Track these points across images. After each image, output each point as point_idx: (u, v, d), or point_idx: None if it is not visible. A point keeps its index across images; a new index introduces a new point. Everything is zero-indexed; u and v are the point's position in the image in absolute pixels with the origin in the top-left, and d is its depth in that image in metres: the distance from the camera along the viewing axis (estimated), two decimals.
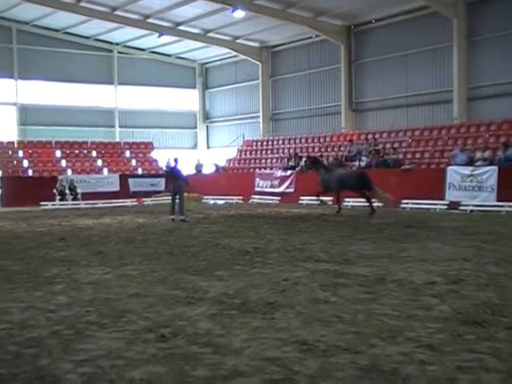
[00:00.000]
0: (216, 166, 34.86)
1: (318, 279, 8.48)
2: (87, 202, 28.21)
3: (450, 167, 22.44)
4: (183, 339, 5.65)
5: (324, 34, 33.12)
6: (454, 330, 5.84)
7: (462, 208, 21.21)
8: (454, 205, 21.45)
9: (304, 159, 23.69)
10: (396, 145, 27.07)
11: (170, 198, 20.05)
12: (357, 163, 26.46)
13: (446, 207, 21.62)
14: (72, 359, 5.10)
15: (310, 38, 35.04)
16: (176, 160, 20.57)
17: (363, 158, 26.23)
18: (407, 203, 22.58)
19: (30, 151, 34.39)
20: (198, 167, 35.45)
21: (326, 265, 9.75)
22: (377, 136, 28.83)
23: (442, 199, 21.99)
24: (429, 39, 29.22)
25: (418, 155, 25.71)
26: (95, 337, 5.79)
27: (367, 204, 21.04)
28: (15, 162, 33.42)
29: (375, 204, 21.17)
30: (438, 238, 13.36)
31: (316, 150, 30.78)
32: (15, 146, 34.81)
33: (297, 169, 28.01)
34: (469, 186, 21.53)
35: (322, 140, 31.68)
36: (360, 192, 21.30)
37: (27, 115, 37.82)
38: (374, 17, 31.44)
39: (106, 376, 4.70)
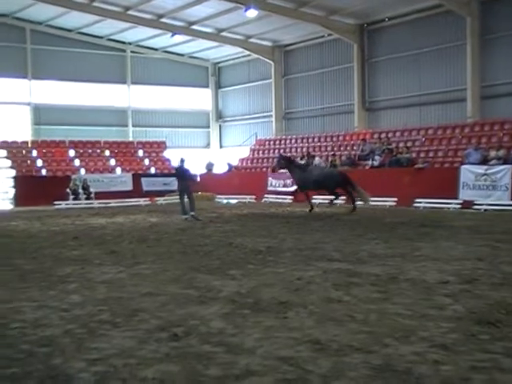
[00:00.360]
0: (229, 165, 34.87)
1: (330, 278, 8.46)
2: (100, 201, 28.32)
3: (463, 166, 22.32)
4: (196, 338, 5.65)
5: (337, 32, 33.03)
6: (468, 329, 5.80)
7: (475, 207, 21.10)
8: (467, 204, 21.34)
9: (277, 158, 23.63)
10: (409, 144, 26.95)
11: (179, 197, 20.21)
12: (370, 162, 26.38)
13: (459, 206, 21.51)
14: (85, 358, 5.12)
15: (323, 36, 34.96)
16: (182, 160, 20.67)
17: (376, 157, 26.15)
18: (420, 202, 22.49)
19: (44, 151, 34.55)
20: (209, 166, 35.49)
21: (339, 264, 9.72)
22: (390, 135, 28.72)
23: (456, 198, 21.88)
24: (442, 38, 29.06)
25: (431, 154, 25.59)
26: (108, 336, 5.80)
27: (334, 201, 21.92)
28: (29, 161, 33.58)
29: (340, 200, 22.05)
30: (452, 237, 13.29)
31: (329, 149, 30.72)
32: (29, 145, 34.97)
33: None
34: (483, 184, 21.40)
35: (334, 139, 31.61)
36: (343, 190, 21.63)
37: (41, 115, 38.01)
38: (387, 15, 31.31)
39: (118, 375, 4.72)
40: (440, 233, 14.16)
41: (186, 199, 19.67)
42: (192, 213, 19.09)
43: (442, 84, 29.45)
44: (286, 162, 22.55)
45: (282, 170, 24.05)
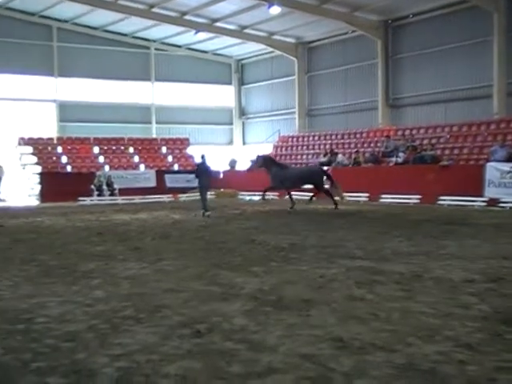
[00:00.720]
0: (252, 161, 34.81)
1: (353, 276, 8.42)
2: (124, 197, 28.51)
3: (489, 163, 22.07)
4: (218, 335, 5.66)
5: (360, 29, 32.84)
6: (494, 329, 5.74)
7: (501, 205, 20.87)
8: (493, 201, 21.12)
9: (255, 157, 23.54)
10: (434, 141, 26.72)
11: (200, 194, 20.30)
12: (394, 159, 26.22)
13: (484, 204, 21.28)
14: (108, 353, 5.15)
15: (346, 33, 34.77)
16: (203, 156, 20.77)
17: (400, 154, 25.97)
18: (445, 200, 22.30)
19: (69, 147, 34.88)
20: (232, 163, 35.50)
21: (362, 262, 9.68)
22: (414, 132, 28.51)
23: (481, 196, 21.65)
24: (468, 33, 28.73)
25: (456, 151, 25.37)
26: (131, 331, 5.83)
27: (312, 197, 22.31)
28: (54, 158, 33.92)
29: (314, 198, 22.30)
30: (477, 235, 13.17)
31: (352, 145, 30.59)
32: (55, 142, 35.32)
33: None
34: (508, 182, 21.14)
35: (358, 136, 31.47)
36: (318, 187, 21.95)
37: (66, 112, 38.34)
38: (411, 11, 31.05)
39: (141, 371, 4.74)
40: (465, 231, 14.03)
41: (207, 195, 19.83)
42: (202, 211, 19.31)
43: (467, 80, 29.14)
44: (266, 162, 22.58)
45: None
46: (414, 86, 31.73)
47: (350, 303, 6.86)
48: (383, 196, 24.51)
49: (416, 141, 27.19)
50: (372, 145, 29.65)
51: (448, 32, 29.61)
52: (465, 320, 6.06)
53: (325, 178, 22.14)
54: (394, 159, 26.25)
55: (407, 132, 28.67)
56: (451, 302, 6.81)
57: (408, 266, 9.14)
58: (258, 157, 23.40)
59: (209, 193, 20.01)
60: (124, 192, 29.41)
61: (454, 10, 29.28)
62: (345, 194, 21.66)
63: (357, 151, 28.80)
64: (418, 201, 23.18)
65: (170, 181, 31.88)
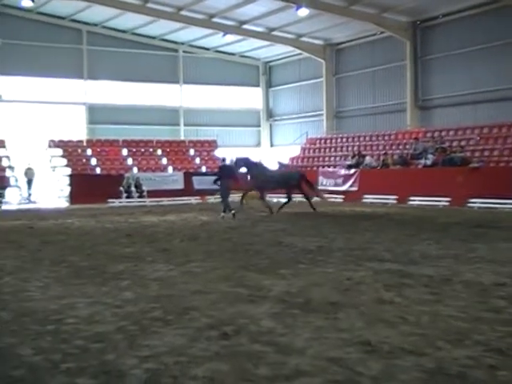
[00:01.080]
0: (280, 164, 34.81)
1: (381, 279, 8.36)
2: (152, 199, 28.69)
3: None
4: (246, 337, 5.66)
5: (389, 30, 32.67)
6: None
7: None
8: None
9: (234, 159, 23.35)
10: (463, 143, 26.47)
11: (222, 196, 20.49)
12: (422, 161, 26.00)
13: None
14: (137, 355, 5.18)
15: (375, 34, 34.61)
16: (224, 159, 20.96)
17: (429, 156, 25.75)
18: (475, 202, 22.05)
19: (98, 149, 35.23)
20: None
21: (390, 264, 9.61)
22: (443, 133, 28.24)
23: None
24: (497, 34, 28.38)
25: (486, 153, 25.08)
26: (159, 333, 5.86)
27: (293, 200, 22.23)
28: (84, 160, 34.28)
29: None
30: (508, 238, 13.00)
31: (380, 148, 30.42)
32: (84, 144, 35.71)
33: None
34: None
35: (386, 138, 31.28)
36: (300, 189, 21.98)
37: (96, 114, 38.76)
38: (440, 12, 30.79)
39: (169, 372, 4.76)
40: (495, 234, 13.85)
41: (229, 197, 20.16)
42: (223, 213, 19.51)
43: (497, 81, 28.79)
44: (245, 164, 22.23)
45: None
46: (443, 87, 31.44)
47: (378, 306, 6.81)
48: (412, 198, 24.32)
49: (445, 142, 26.94)
50: (400, 147, 29.44)
51: (477, 32, 29.30)
52: (495, 324, 5.98)
53: (303, 180, 21.98)
54: (422, 161, 26.03)
55: (436, 134, 28.41)
56: (481, 306, 6.73)
57: (437, 269, 9.05)
58: (237, 159, 23.13)
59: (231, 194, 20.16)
60: (152, 194, 29.59)
61: (483, 11, 28.97)
62: (325, 195, 21.97)
63: (385, 153, 28.63)
64: (448, 203, 22.96)
65: (197, 183, 31.99)
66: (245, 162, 22.61)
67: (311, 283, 8.17)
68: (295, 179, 21.87)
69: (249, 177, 22.15)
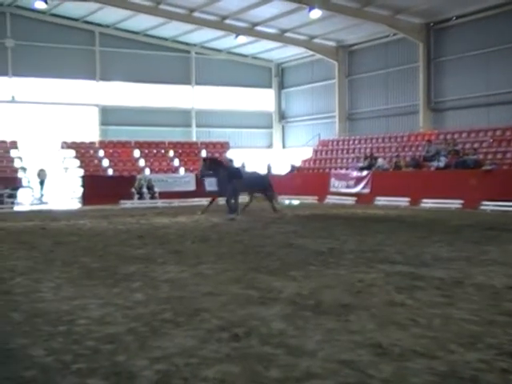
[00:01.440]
0: (292, 166, 34.84)
1: (393, 281, 8.33)
2: (164, 200, 28.76)
3: None
4: (256, 339, 5.64)
5: (402, 32, 32.59)
6: None
7: None
8: None
9: (203, 161, 22.78)
10: (476, 145, 26.34)
11: (230, 198, 20.68)
12: (435, 164, 25.90)
13: None
14: (147, 356, 5.18)
15: (388, 36, 34.54)
16: (231, 160, 21.02)
17: (442, 159, 25.65)
18: (488, 205, 21.93)
19: (111, 151, 35.40)
20: (268, 168, 35.60)
21: (402, 267, 9.56)
22: (456, 136, 28.12)
23: None
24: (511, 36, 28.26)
25: (499, 155, 24.96)
26: (170, 335, 5.86)
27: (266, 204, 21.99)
28: (96, 161, 34.46)
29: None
30: None
31: (393, 150, 30.35)
32: (96, 145, 35.88)
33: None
34: None
35: (399, 140, 31.21)
36: (263, 193, 21.97)
37: (108, 116, 38.93)
38: (455, 14, 30.67)
39: (180, 374, 4.75)
40: (508, 236, 13.77)
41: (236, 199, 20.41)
42: (230, 216, 19.66)
43: (511, 84, 28.62)
44: (214, 165, 21.90)
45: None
46: (457, 89, 31.32)
47: (390, 309, 6.78)
48: (424, 201, 24.24)
49: (458, 145, 26.81)
50: (413, 149, 29.34)
51: (491, 34, 29.17)
52: (508, 328, 5.94)
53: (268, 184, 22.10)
54: (435, 163, 25.93)
55: (449, 136, 28.29)
56: (493, 309, 6.68)
57: (449, 272, 9.00)
58: (205, 159, 22.79)
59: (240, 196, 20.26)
60: (164, 195, 29.66)
61: (497, 13, 28.84)
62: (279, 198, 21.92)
63: (397, 155, 28.54)
64: (460, 206, 22.85)
65: (209, 184, 31.98)
66: (212, 162, 22.26)
67: (322, 285, 8.15)
68: (266, 182, 21.94)
69: (217, 178, 21.66)
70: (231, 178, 20.37)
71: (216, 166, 21.95)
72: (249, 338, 5.70)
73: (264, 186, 21.87)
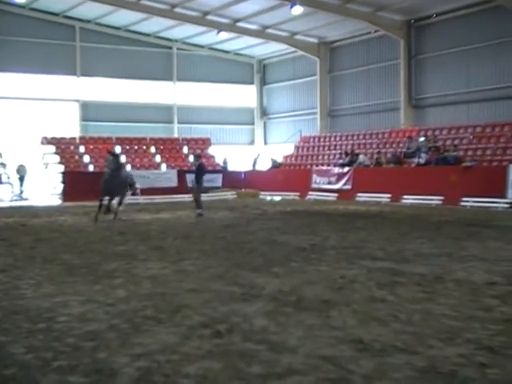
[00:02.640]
0: (273, 161, 34.83)
1: (374, 277, 8.39)
2: (146, 197, 28.62)
3: None
4: (238, 336, 5.66)
5: (383, 29, 32.71)
6: None
7: None
8: None
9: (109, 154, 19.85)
10: (457, 142, 26.54)
11: (198, 194, 20.28)
12: (416, 160, 26.06)
13: (507, 206, 21.07)
14: (129, 353, 5.17)
15: (369, 33, 34.66)
16: (199, 155, 21.15)
17: (422, 155, 25.81)
18: (467, 201, 22.12)
19: (91, 147, 35.13)
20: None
21: (383, 263, 9.63)
22: (437, 133, 28.31)
23: (504, 197, 21.43)
24: (491, 33, 28.49)
25: (479, 152, 25.16)
26: (152, 331, 5.86)
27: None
28: (77, 157, 34.19)
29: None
30: (500, 237, 13.05)
31: (374, 146, 30.47)
32: (77, 141, 35.60)
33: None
34: None
35: (380, 136, 31.33)
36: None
37: (89, 111, 38.67)
38: (435, 11, 30.84)
39: (161, 370, 4.75)
40: (488, 232, 13.91)
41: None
42: (198, 211, 19.49)
43: (490, 81, 28.90)
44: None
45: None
46: (437, 86, 31.53)
47: (371, 304, 6.83)
48: (405, 197, 24.39)
49: (439, 141, 26.99)
50: (394, 145, 29.50)
51: (471, 32, 29.39)
52: (487, 323, 6.00)
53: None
54: (416, 160, 26.09)
55: (430, 133, 28.47)
56: (473, 305, 6.76)
57: (429, 268, 9.08)
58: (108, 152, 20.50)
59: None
60: (146, 192, 29.50)
61: (477, 10, 29.06)
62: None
63: (379, 152, 28.68)
64: (441, 202, 23.03)
65: (191, 180, 31.92)
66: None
67: (304, 281, 8.18)
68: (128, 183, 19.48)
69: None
70: (200, 176, 20.05)
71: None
72: (231, 334, 5.71)
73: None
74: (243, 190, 31.73)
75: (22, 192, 30.92)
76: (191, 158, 31.61)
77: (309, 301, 7.00)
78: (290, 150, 36.51)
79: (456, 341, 5.42)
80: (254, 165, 35.61)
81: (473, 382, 4.45)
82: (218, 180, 32.55)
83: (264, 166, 35.57)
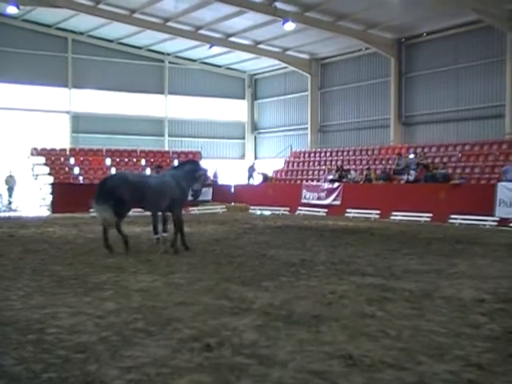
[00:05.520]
0: (264, 175, 34.80)
1: (364, 293, 8.42)
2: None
3: (500, 183, 22.01)
4: (228, 349, 5.68)
5: (374, 46, 32.96)
6: (504, 349, 5.73)
7: None
8: (504, 221, 21.04)
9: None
10: (445, 159, 26.71)
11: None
12: (405, 177, 26.19)
13: (495, 224, 21.19)
14: (119, 366, 5.18)
15: (360, 50, 34.91)
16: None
17: (411, 172, 25.94)
18: (456, 218, 22.24)
19: (82, 158, 35.09)
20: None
21: (373, 279, 9.67)
22: (426, 150, 28.49)
23: (492, 215, 21.55)
24: (481, 53, 28.80)
25: (467, 170, 25.33)
26: (142, 344, 5.86)
27: None
28: (67, 168, 34.12)
29: None
30: (488, 254, 13.12)
31: (364, 162, 30.61)
32: (67, 153, 35.55)
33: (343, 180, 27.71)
34: None
35: (370, 153, 31.49)
36: None
37: (79, 123, 38.62)
38: (425, 30, 31.13)
39: (151, 383, 4.76)
40: (476, 250, 13.98)
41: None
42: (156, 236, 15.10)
43: (480, 100, 29.16)
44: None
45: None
46: (427, 104, 31.77)
47: (360, 320, 6.86)
48: (394, 213, 24.47)
49: (428, 159, 27.16)
50: (383, 162, 29.64)
51: (461, 51, 29.70)
52: (475, 340, 6.05)
53: None
54: (405, 177, 26.22)
55: (419, 150, 28.64)
56: (461, 322, 6.81)
57: (418, 284, 9.13)
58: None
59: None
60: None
61: (467, 30, 29.34)
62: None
63: (368, 168, 28.81)
64: (429, 219, 23.12)
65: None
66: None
67: (294, 296, 8.20)
68: None
69: None
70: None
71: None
72: (221, 348, 5.72)
73: None
74: (233, 204, 31.75)
75: (10, 203, 30.78)
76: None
77: (299, 315, 7.03)
78: (280, 164, 36.60)
79: (445, 357, 5.46)
80: (249, 175, 35.58)
81: None
82: (207, 194, 32.54)
83: (257, 179, 35.52)
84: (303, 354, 5.55)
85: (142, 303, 7.72)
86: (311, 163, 34.33)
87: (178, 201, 14.29)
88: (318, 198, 28.65)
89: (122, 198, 13.53)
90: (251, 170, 35.92)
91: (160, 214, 15.21)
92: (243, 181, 35.82)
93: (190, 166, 15.06)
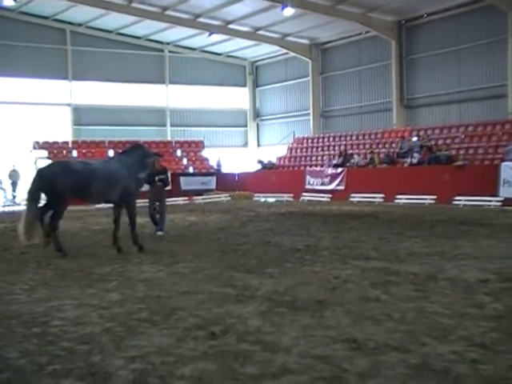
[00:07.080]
0: (262, 163, 34.62)
1: (368, 277, 8.42)
2: (139, 200, 28.52)
3: (504, 163, 21.93)
4: (233, 337, 5.68)
5: (375, 29, 32.79)
6: (508, 328, 5.72)
7: None
8: (508, 201, 20.96)
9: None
10: (449, 141, 26.61)
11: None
12: (409, 160, 26.12)
13: (500, 204, 21.14)
14: (123, 356, 5.19)
15: (361, 34, 34.74)
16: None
17: (415, 155, 25.87)
18: (460, 200, 22.19)
19: (84, 151, 35.07)
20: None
21: (377, 263, 9.67)
22: (429, 132, 28.39)
23: (496, 196, 21.51)
24: (482, 33, 28.59)
25: (471, 151, 25.23)
26: (146, 334, 5.87)
27: None
28: None
29: None
30: (492, 235, 13.10)
31: (367, 146, 30.50)
32: (69, 145, 35.53)
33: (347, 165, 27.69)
34: None
35: (372, 137, 31.39)
36: None
37: (81, 115, 38.59)
38: (425, 11, 30.94)
39: (156, 372, 4.77)
40: (480, 231, 13.96)
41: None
42: (159, 232, 15.21)
43: (482, 80, 29.01)
44: None
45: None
46: (429, 86, 31.63)
47: (365, 304, 6.86)
48: (398, 197, 24.44)
49: (431, 141, 27.07)
50: (387, 145, 29.56)
51: (462, 31, 29.51)
52: (479, 320, 6.05)
53: None
54: (408, 160, 26.15)
55: (422, 132, 28.54)
56: (466, 302, 6.80)
57: (423, 267, 9.12)
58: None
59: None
60: (139, 195, 29.44)
61: (468, 10, 29.15)
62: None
63: (372, 152, 28.73)
64: (433, 201, 23.09)
65: (184, 183, 31.97)
66: None
67: (298, 282, 8.21)
68: None
69: None
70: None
71: None
72: (225, 335, 5.73)
73: None
74: (237, 192, 31.73)
75: (14, 197, 30.83)
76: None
77: (303, 301, 7.03)
78: (283, 151, 36.54)
79: (449, 338, 5.46)
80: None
81: (465, 379, 4.49)
82: (211, 182, 32.55)
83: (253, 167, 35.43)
84: (307, 339, 5.55)
85: (147, 293, 7.73)
86: (314, 149, 34.24)
87: (131, 190, 13.03)
88: (322, 184, 28.62)
89: (62, 190, 11.48)
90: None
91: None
92: (247, 169, 35.76)
93: (140, 151, 13.28)
